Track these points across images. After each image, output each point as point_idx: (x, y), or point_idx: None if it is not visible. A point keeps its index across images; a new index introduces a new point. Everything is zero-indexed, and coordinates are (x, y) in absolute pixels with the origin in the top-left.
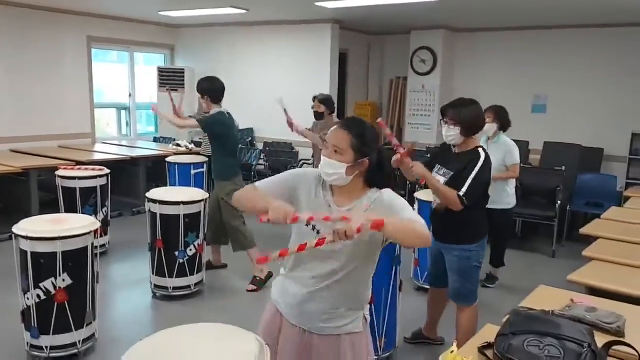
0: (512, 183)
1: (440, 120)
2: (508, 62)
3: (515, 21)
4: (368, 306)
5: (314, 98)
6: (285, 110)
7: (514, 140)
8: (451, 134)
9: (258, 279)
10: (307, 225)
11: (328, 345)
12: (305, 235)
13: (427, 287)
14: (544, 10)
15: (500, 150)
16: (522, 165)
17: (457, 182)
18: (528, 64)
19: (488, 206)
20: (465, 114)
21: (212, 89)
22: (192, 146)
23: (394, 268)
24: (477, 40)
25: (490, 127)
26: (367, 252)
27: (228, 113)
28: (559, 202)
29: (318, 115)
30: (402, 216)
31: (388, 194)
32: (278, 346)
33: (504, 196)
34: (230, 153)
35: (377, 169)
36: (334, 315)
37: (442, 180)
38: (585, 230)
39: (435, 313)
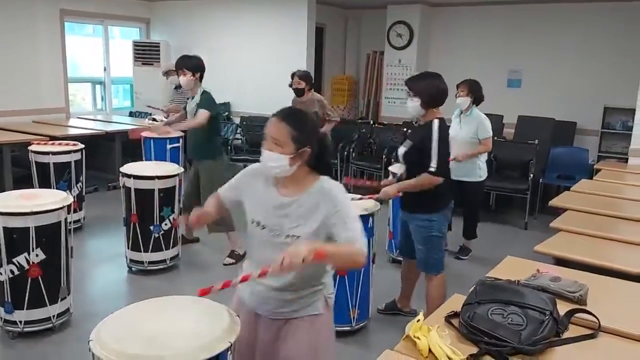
0: (484, 156)
1: (406, 91)
2: (484, 37)
3: None
4: (331, 289)
5: (293, 74)
6: None
7: (489, 114)
8: (411, 105)
9: (237, 253)
10: (252, 222)
11: (288, 329)
12: (252, 232)
13: (401, 259)
14: None
15: (472, 124)
16: (495, 138)
17: (418, 155)
18: (504, 39)
19: (460, 178)
20: (424, 87)
21: (201, 66)
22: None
23: (366, 240)
24: (454, 15)
25: (463, 100)
26: None
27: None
28: (532, 175)
29: (298, 92)
30: (344, 234)
31: (336, 191)
32: (249, 331)
33: (475, 169)
34: (219, 132)
35: (320, 156)
36: (289, 300)
37: (403, 150)
38: (554, 202)
39: (408, 284)
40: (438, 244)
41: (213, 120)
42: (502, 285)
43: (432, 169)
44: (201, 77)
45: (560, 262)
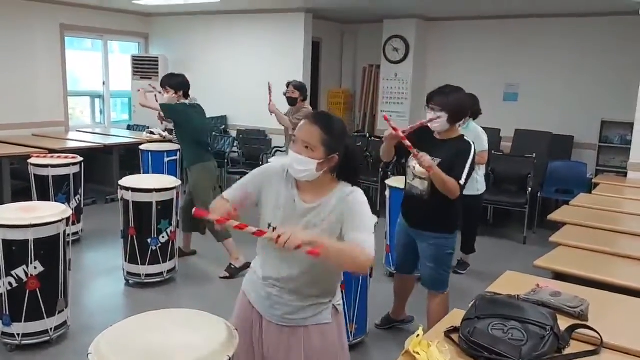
0: (482, 170)
1: (425, 106)
2: (480, 51)
3: (488, 10)
4: (339, 297)
5: (288, 84)
6: (269, 89)
7: (486, 128)
8: (438, 121)
9: (233, 267)
10: (268, 226)
11: (297, 337)
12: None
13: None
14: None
15: (469, 137)
16: (493, 152)
17: (449, 170)
18: (500, 53)
19: None
20: (453, 102)
21: (185, 84)
22: (165, 134)
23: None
24: (450, 29)
25: None
26: None
27: (192, 104)
28: (530, 189)
29: (291, 101)
30: (352, 234)
31: (355, 196)
32: (254, 337)
33: (473, 183)
34: (193, 141)
35: (346, 164)
36: (300, 307)
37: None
38: (552, 216)
39: (403, 298)
40: (449, 261)
41: (182, 128)
42: (502, 300)
43: (461, 182)
44: (185, 94)
45: (559, 276)
